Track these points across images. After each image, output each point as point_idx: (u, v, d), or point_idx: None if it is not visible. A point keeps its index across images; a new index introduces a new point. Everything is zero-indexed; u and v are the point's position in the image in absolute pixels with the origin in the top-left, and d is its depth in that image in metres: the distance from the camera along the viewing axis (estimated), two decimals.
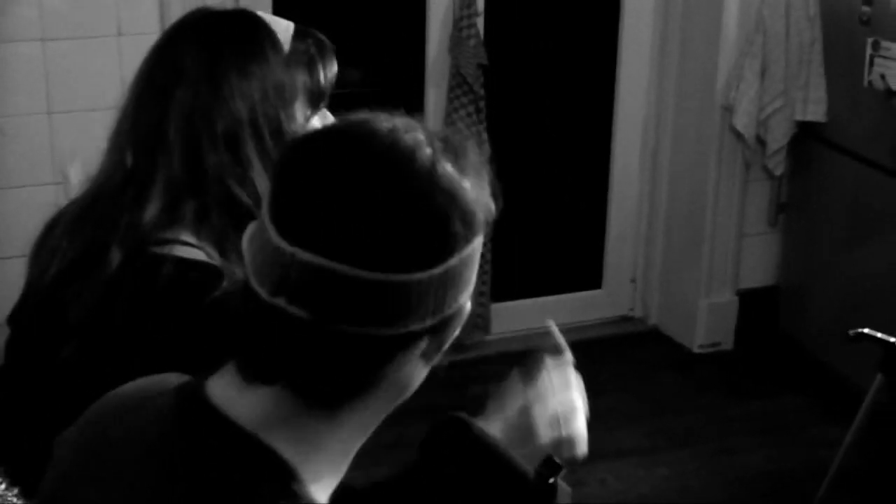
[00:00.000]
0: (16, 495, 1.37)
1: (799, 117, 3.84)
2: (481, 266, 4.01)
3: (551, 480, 1.22)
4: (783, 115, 3.83)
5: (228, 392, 1.02)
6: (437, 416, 4.03)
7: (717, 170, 4.00)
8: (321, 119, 1.68)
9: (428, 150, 1.02)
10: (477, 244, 1.04)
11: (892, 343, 2.24)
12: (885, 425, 2.96)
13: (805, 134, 3.90)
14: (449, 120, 3.83)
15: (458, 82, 3.79)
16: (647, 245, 4.34)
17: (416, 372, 1.05)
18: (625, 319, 4.43)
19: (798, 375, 4.01)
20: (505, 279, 4.24)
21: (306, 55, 1.64)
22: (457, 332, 1.07)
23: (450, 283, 1.00)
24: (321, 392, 1.00)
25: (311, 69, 1.64)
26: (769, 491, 3.38)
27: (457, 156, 1.05)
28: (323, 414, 1.01)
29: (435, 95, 3.90)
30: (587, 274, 4.38)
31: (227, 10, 1.75)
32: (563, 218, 4.39)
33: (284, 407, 1.00)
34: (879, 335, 2.25)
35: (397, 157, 1.01)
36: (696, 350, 4.21)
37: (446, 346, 1.06)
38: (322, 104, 1.67)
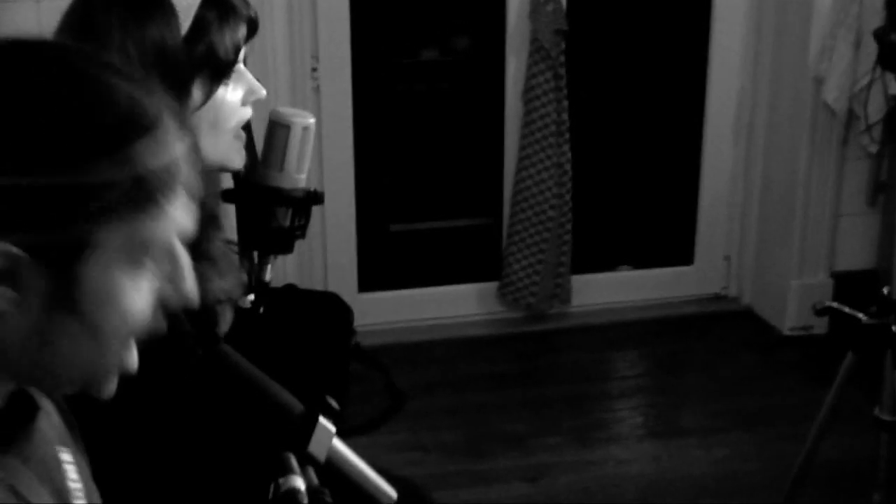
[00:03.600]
0: None
1: (895, 92, 3.64)
2: (560, 237, 3.95)
3: (320, 418, 1.21)
4: (877, 89, 3.64)
5: None
6: (499, 382, 3.90)
7: (811, 145, 3.84)
8: (236, 85, 1.66)
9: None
10: (108, 170, 0.94)
11: (860, 318, 2.10)
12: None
13: None
14: (528, 86, 3.80)
15: (536, 48, 3.74)
16: (741, 221, 4.20)
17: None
18: (717, 298, 4.29)
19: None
20: (591, 251, 4.18)
21: (209, 24, 1.61)
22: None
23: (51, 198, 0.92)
24: None
25: (213, 41, 1.60)
26: (828, 479, 3.23)
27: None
28: None
29: (515, 62, 3.86)
30: (678, 249, 4.27)
31: None
32: (653, 190, 4.29)
33: None
34: (847, 310, 2.12)
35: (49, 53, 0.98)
36: (786, 332, 4.05)
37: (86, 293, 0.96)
38: (226, 76, 1.63)
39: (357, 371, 3.70)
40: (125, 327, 1.01)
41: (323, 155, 3.81)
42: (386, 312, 4.03)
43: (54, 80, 0.96)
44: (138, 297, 1.00)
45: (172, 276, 1.04)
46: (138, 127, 0.97)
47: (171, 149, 0.99)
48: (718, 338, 4.09)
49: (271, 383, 1.23)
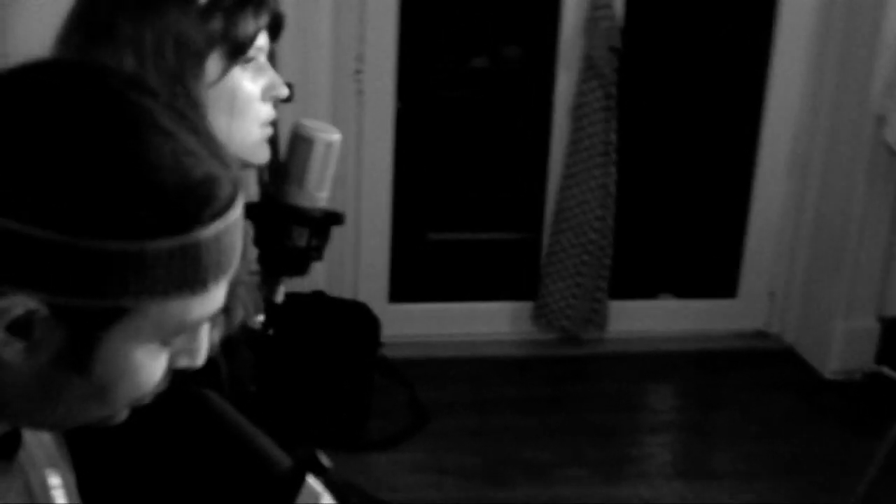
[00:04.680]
0: None
1: None
2: (599, 260, 3.84)
3: (308, 477, 1.10)
4: None
5: None
6: (526, 406, 3.75)
7: (867, 183, 3.69)
8: (256, 76, 1.58)
9: (155, 118, 0.88)
10: (167, 245, 0.86)
11: None
12: None
13: None
14: (577, 102, 3.68)
15: (588, 65, 3.63)
16: (789, 257, 4.05)
17: (14, 351, 0.87)
18: (759, 335, 4.15)
19: None
20: (632, 277, 4.06)
21: (228, 2, 1.53)
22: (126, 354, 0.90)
23: (102, 266, 0.84)
24: None
25: (230, 18, 1.52)
26: None
27: (196, 133, 0.90)
28: None
29: (566, 79, 3.74)
30: (722, 281, 4.13)
31: None
32: (699, 218, 4.16)
33: None
34: None
35: (109, 107, 0.87)
36: (827, 376, 3.90)
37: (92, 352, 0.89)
38: (243, 57, 1.55)
39: (381, 384, 3.63)
40: (132, 395, 0.94)
41: (362, 158, 3.71)
42: (415, 325, 3.93)
43: (136, 139, 0.86)
44: (152, 370, 0.93)
45: (189, 348, 0.97)
46: (208, 206, 0.88)
47: (232, 233, 0.91)
48: (757, 376, 3.95)
49: (258, 436, 1.12)
